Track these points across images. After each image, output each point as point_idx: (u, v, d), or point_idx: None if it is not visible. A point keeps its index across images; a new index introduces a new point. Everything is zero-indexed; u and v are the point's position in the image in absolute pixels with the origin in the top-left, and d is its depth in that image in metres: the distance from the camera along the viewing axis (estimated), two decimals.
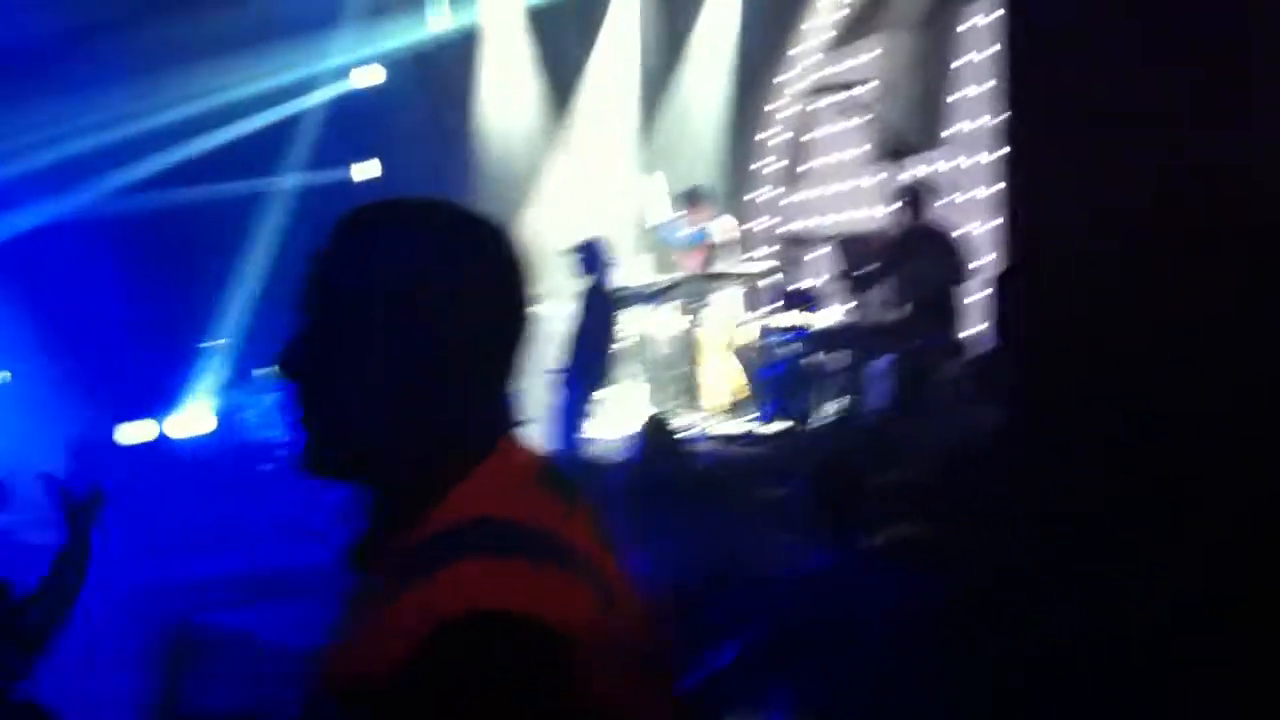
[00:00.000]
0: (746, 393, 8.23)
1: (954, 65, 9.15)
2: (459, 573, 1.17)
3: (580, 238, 7.78)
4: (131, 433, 9.04)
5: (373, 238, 1.31)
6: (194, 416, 9.67)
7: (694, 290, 7.93)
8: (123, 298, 9.45)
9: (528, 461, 1.33)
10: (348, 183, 10.77)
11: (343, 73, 10.85)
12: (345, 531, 1.38)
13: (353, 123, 10.83)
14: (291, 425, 1.30)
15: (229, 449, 9.01)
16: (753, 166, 10.89)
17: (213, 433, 9.55)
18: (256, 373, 10.06)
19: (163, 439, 9.26)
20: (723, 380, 8.28)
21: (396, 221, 1.34)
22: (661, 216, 8.72)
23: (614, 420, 8.10)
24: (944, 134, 9.11)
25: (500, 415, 1.34)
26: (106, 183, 9.82)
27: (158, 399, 9.54)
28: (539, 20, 11.01)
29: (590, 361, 7.36)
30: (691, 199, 8.59)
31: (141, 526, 6.21)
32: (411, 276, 1.28)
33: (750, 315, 8.20)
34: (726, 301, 8.15)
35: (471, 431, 1.30)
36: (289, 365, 1.30)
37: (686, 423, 7.84)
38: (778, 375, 7.17)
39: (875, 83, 9.23)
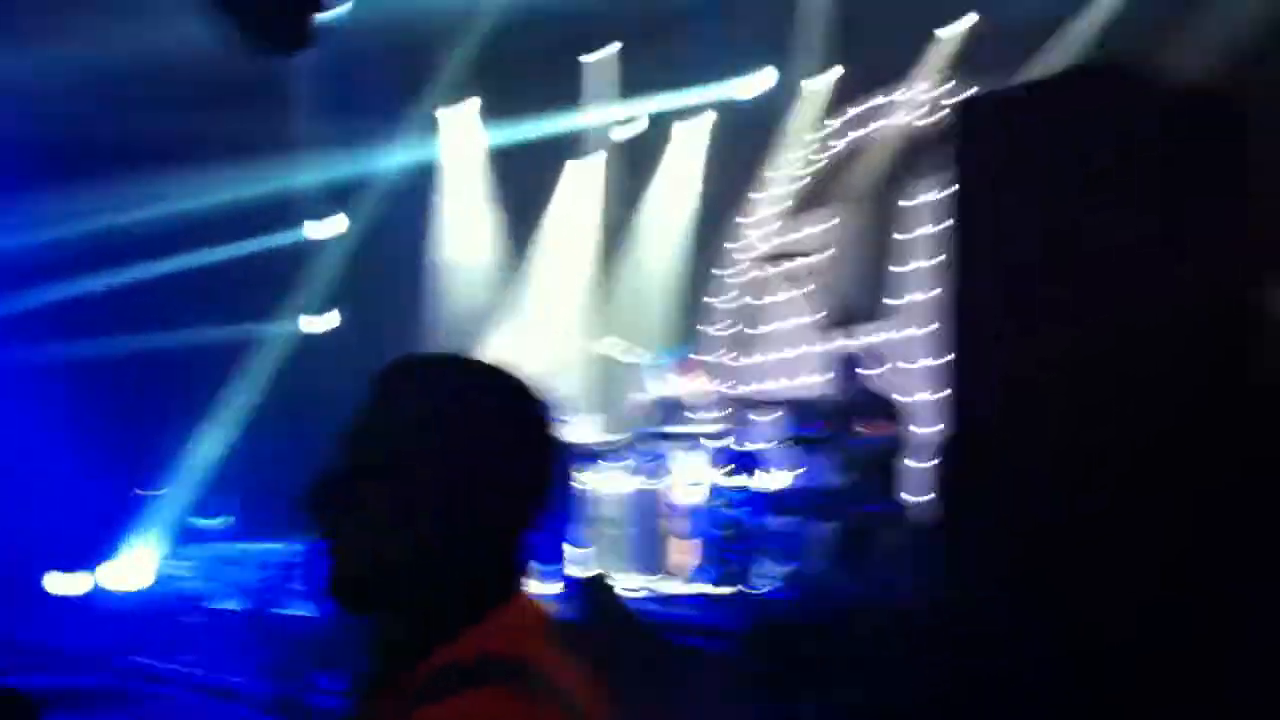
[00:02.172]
0: (693, 553, 8.21)
1: (903, 238, 9.50)
2: (468, 701, 1.24)
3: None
4: (63, 583, 8.81)
5: (409, 388, 1.40)
6: (130, 567, 9.44)
7: (644, 449, 7.97)
8: (65, 439, 9.34)
9: (537, 613, 1.40)
10: (306, 333, 10.84)
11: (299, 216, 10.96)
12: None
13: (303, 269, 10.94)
14: (317, 555, 1.36)
15: (161, 601, 8.80)
16: (704, 328, 11.11)
17: (148, 585, 9.30)
18: (198, 523, 9.92)
19: (96, 591, 9.01)
20: (670, 540, 8.25)
21: (431, 373, 1.44)
22: (644, 359, 8.85)
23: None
24: (892, 304, 9.39)
25: (517, 564, 1.41)
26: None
27: (94, 548, 9.32)
28: (499, 162, 11.26)
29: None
30: (683, 359, 8.74)
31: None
32: (443, 427, 1.37)
33: (699, 476, 8.23)
34: (676, 461, 8.20)
35: (490, 577, 1.37)
36: (320, 499, 1.36)
37: (631, 582, 7.78)
38: (724, 536, 7.17)
39: (824, 253, 9.54)
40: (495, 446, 1.37)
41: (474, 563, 1.36)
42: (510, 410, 1.41)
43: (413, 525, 1.34)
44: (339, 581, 1.36)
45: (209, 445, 10.26)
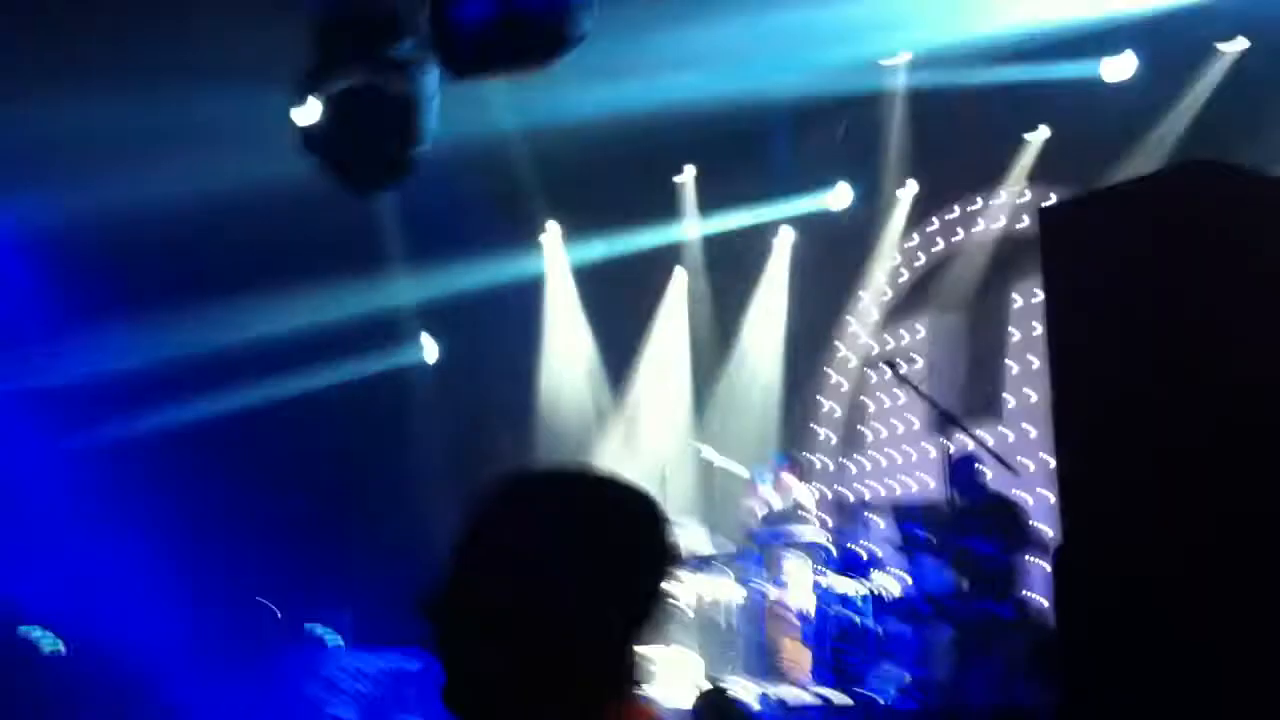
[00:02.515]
0: (805, 659, 8.16)
1: (1008, 335, 9.49)
2: None
3: None
4: None
5: (528, 502, 1.44)
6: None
7: (753, 555, 8.01)
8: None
9: (649, 716, 1.44)
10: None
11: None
12: None
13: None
14: (435, 665, 1.40)
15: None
16: (810, 427, 11.14)
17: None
18: (315, 631, 10.11)
19: None
20: (782, 646, 8.22)
21: (549, 486, 1.47)
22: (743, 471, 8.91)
23: (665, 683, 8.06)
24: (1002, 402, 9.35)
25: (629, 671, 1.43)
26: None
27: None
28: (598, 278, 11.55)
29: None
30: (791, 464, 8.80)
31: None
32: (565, 542, 1.39)
33: (809, 580, 8.22)
34: (789, 566, 8.20)
35: (606, 685, 1.40)
36: (437, 610, 1.40)
37: (746, 689, 7.74)
38: (838, 641, 7.13)
39: (926, 357, 9.56)
40: (616, 560, 1.39)
41: (592, 673, 1.37)
42: (630, 524, 1.43)
43: (531, 637, 1.35)
44: (456, 692, 1.38)
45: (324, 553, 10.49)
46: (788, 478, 8.73)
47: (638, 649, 1.43)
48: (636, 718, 1.41)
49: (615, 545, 1.40)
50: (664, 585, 1.44)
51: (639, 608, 1.41)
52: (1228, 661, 4.00)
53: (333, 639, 10.17)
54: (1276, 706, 3.89)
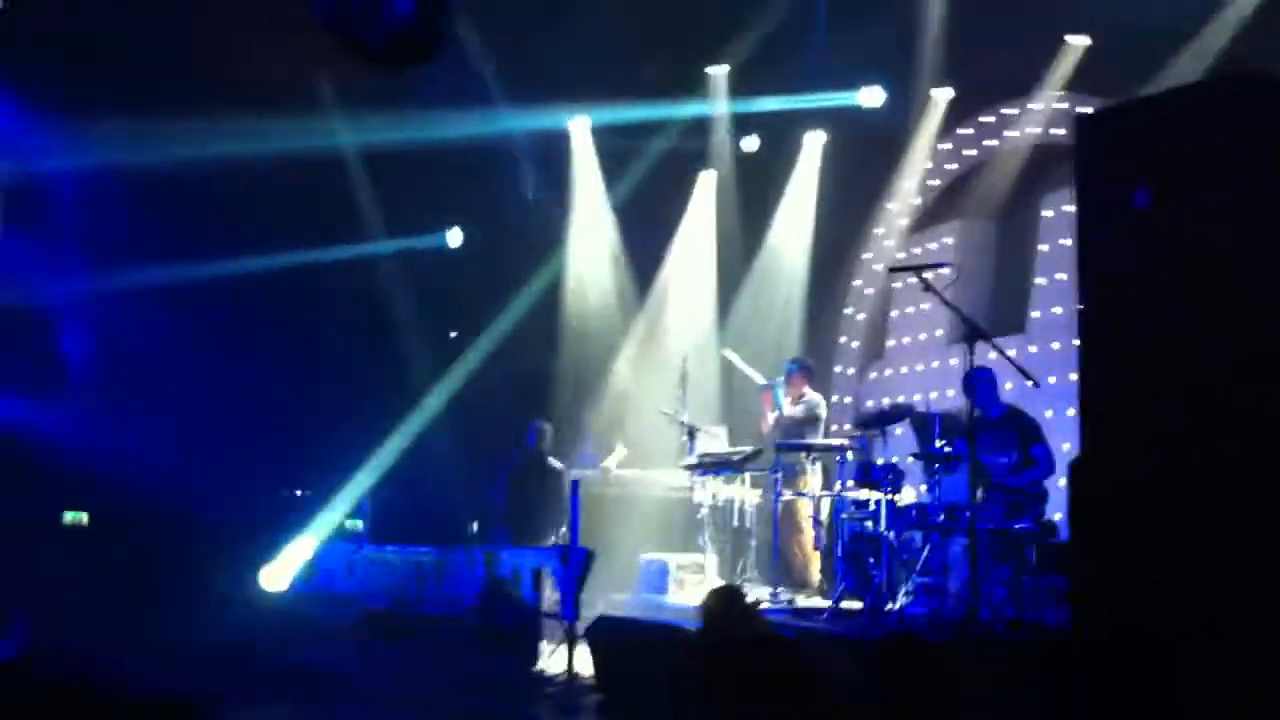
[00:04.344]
0: (816, 563, 8.26)
1: (1038, 249, 9.36)
2: None
3: None
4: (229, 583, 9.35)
5: None
6: (286, 567, 9.88)
7: (771, 462, 8.06)
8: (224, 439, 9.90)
9: None
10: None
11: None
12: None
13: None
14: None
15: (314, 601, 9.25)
16: (836, 339, 11.11)
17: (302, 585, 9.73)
18: (348, 524, 10.35)
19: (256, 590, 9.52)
20: (799, 552, 8.32)
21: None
22: (762, 378, 8.94)
23: (688, 588, 8.19)
24: (1030, 317, 9.26)
25: None
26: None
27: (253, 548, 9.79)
28: (627, 172, 11.43)
29: None
30: (805, 371, 8.79)
31: None
32: None
33: (827, 490, 8.26)
34: (808, 474, 8.25)
35: None
36: None
37: (760, 593, 7.86)
38: (854, 549, 7.19)
39: (956, 266, 9.45)
40: None
41: None
42: None
43: None
44: None
45: (354, 452, 10.70)
46: (802, 384, 8.73)
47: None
48: None
49: None
50: None
51: None
52: (1231, 580, 4.02)
53: (361, 530, 10.41)
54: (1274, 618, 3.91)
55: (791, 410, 8.60)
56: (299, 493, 10.82)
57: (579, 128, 11.54)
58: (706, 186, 11.53)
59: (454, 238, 12.09)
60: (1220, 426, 4.32)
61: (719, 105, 11.07)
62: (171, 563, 9.26)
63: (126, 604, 8.38)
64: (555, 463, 9.66)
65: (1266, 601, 4.01)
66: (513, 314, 11.31)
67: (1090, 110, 6.59)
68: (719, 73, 10.97)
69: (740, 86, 10.94)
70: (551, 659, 7.24)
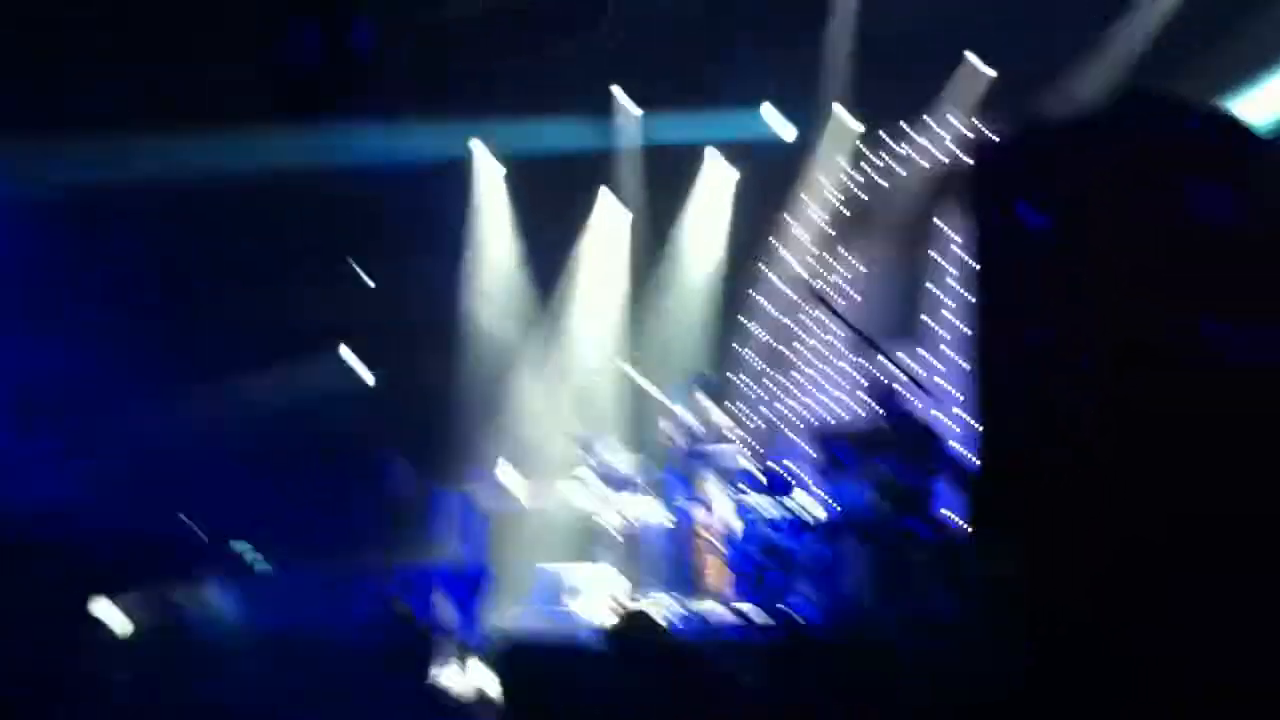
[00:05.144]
0: (725, 576, 8.26)
1: (938, 264, 9.56)
2: None
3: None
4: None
5: None
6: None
7: (676, 474, 8.05)
8: None
9: None
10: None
11: None
12: None
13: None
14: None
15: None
16: (740, 350, 11.18)
17: None
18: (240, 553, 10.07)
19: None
20: (703, 563, 8.31)
21: None
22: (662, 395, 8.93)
23: (589, 602, 8.12)
24: (927, 328, 9.44)
25: None
26: None
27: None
28: (526, 186, 11.38)
29: None
30: (708, 388, 8.80)
31: None
32: None
33: (731, 499, 8.28)
34: (709, 485, 8.25)
35: None
36: None
37: (664, 605, 7.83)
38: (759, 559, 7.21)
39: (853, 283, 9.63)
40: None
41: None
42: None
43: None
44: None
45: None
46: (704, 400, 8.75)
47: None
48: None
49: None
50: None
51: None
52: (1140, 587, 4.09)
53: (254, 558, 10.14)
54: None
55: (698, 425, 8.61)
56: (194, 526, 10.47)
57: (478, 147, 11.47)
58: (609, 202, 11.52)
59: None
60: (1107, 413, 4.43)
61: (626, 122, 11.11)
62: (60, 599, 8.87)
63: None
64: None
65: (1166, 589, 4.08)
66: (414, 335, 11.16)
67: (986, 135, 6.77)
68: (622, 96, 11.01)
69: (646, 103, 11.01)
70: (451, 677, 7.11)
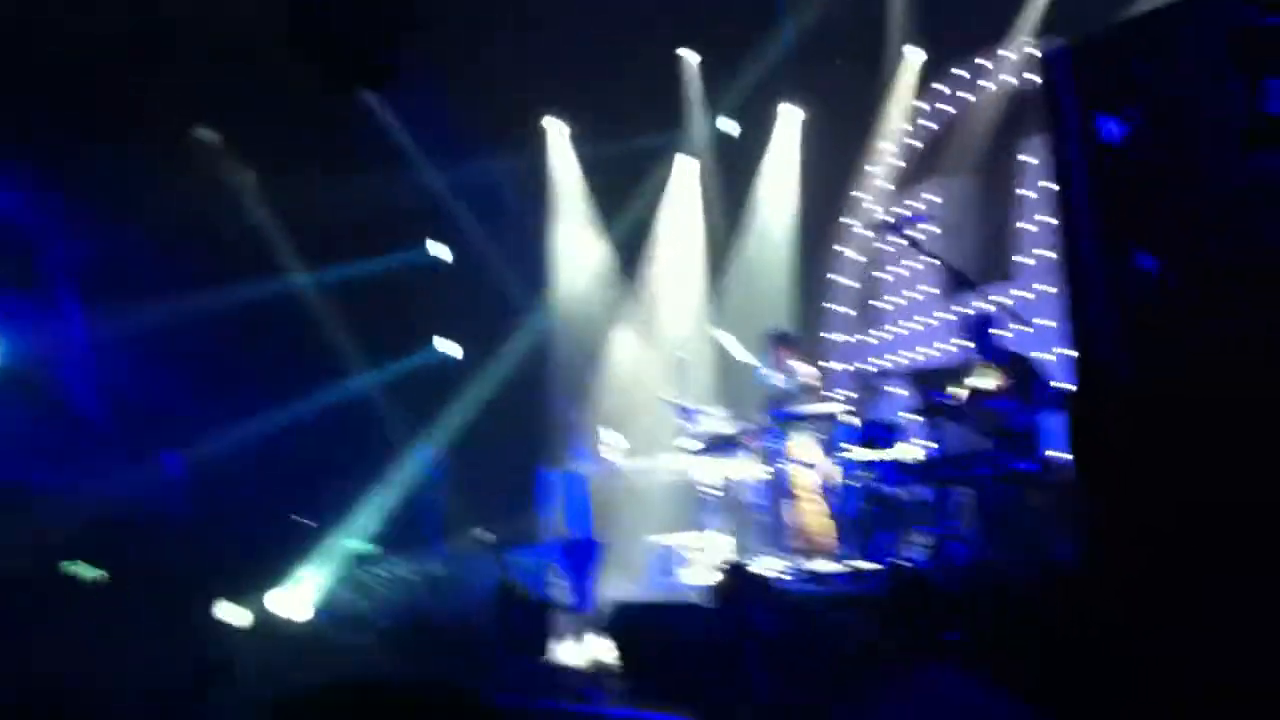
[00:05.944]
0: (832, 531, 8.21)
1: (1020, 196, 9.32)
2: None
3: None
4: (230, 612, 9.23)
5: None
6: (297, 594, 9.81)
7: (773, 434, 8.01)
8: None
9: None
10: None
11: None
12: None
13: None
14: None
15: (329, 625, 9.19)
16: (826, 305, 11.06)
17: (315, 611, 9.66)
18: (354, 547, 10.30)
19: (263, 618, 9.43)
20: (808, 520, 8.27)
21: None
22: (752, 360, 8.88)
23: (703, 567, 8.14)
24: (1016, 263, 9.22)
25: None
26: None
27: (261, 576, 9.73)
28: (601, 167, 11.41)
29: None
30: (783, 341, 8.75)
31: None
32: None
33: (831, 454, 8.22)
34: (808, 442, 8.20)
35: None
36: None
37: (774, 565, 7.82)
38: (864, 510, 7.15)
39: (939, 221, 9.43)
40: None
41: None
42: None
43: None
44: None
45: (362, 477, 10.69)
46: (786, 356, 8.68)
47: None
48: None
49: None
50: None
51: None
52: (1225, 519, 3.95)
53: (372, 551, 10.37)
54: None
55: (782, 385, 8.55)
56: (307, 521, 10.77)
57: (553, 127, 11.52)
58: (687, 170, 11.49)
59: (439, 250, 12.00)
60: (1206, 351, 4.27)
61: (693, 91, 11.04)
62: (188, 604, 9.19)
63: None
64: None
65: (1255, 546, 3.93)
66: (509, 324, 11.31)
67: (1053, 45, 6.52)
68: (691, 59, 10.94)
69: (713, 73, 10.92)
70: (571, 652, 7.20)
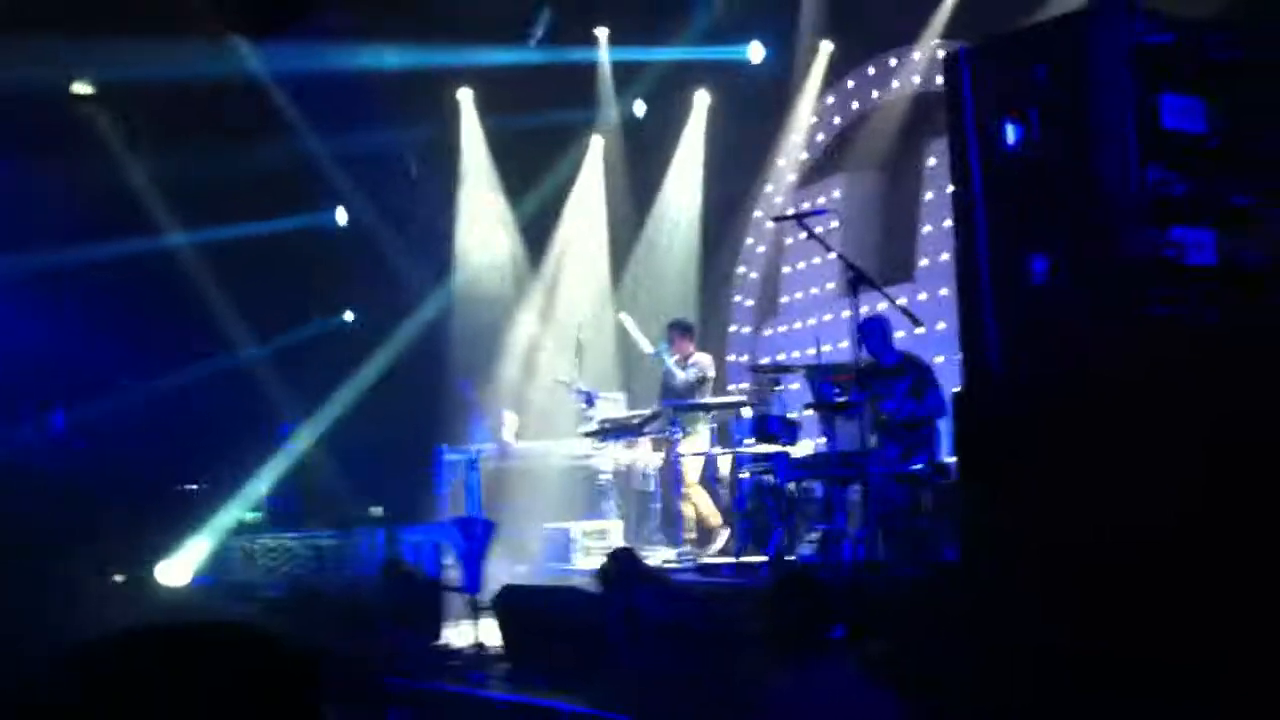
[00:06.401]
0: (722, 523, 8.27)
1: (924, 197, 9.44)
2: None
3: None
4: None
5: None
6: (182, 561, 9.59)
7: (670, 423, 8.03)
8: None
9: None
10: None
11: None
12: None
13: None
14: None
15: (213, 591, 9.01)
16: (729, 296, 11.12)
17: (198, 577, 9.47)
18: (240, 516, 10.12)
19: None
20: (699, 511, 8.32)
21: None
22: (652, 347, 8.88)
23: (593, 555, 8.14)
24: (917, 264, 9.36)
25: None
26: None
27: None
28: (508, 143, 11.32)
29: None
30: (684, 331, 8.77)
31: None
32: None
33: (726, 446, 8.28)
34: (703, 433, 8.24)
35: None
36: None
37: (662, 553, 7.86)
38: (752, 505, 7.21)
39: (833, 212, 9.52)
40: None
41: None
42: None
43: None
44: None
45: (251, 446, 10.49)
46: (686, 345, 8.72)
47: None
48: None
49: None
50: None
51: None
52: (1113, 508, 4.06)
53: (256, 519, 10.19)
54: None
55: (683, 375, 8.59)
56: (194, 486, 10.54)
57: (465, 99, 11.39)
58: (595, 152, 11.44)
59: (340, 216, 11.83)
60: (1085, 348, 4.39)
61: (603, 63, 10.99)
62: (67, 558, 8.93)
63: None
64: None
65: (1135, 543, 4.05)
66: (405, 295, 11.17)
67: (951, 50, 6.60)
68: (602, 33, 10.89)
69: (623, 44, 10.88)
70: (457, 632, 7.15)
